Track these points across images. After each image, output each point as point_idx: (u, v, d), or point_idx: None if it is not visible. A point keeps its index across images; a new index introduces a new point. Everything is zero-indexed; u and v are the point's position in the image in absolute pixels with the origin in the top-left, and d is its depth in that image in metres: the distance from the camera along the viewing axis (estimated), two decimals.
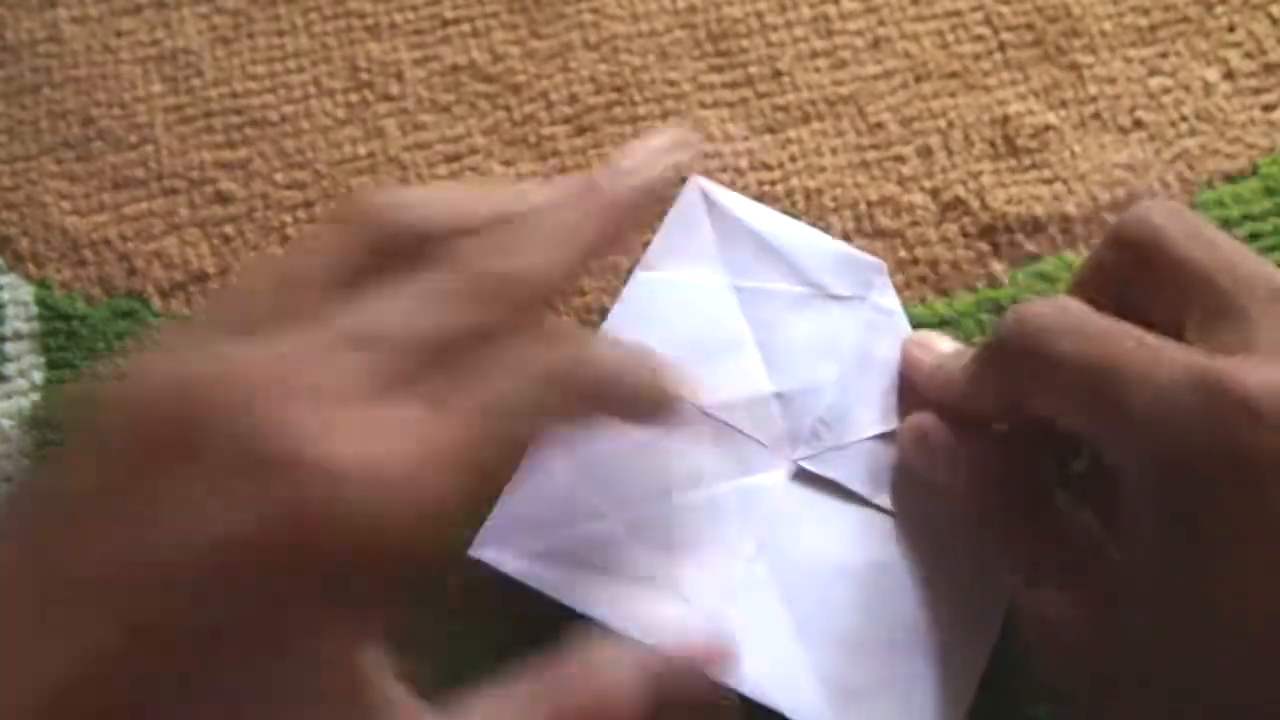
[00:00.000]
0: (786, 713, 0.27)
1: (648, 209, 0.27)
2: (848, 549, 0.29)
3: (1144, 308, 0.26)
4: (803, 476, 0.30)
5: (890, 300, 0.31)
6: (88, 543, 0.20)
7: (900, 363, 0.31)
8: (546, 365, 0.24)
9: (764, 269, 0.32)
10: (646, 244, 0.32)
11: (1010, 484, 0.27)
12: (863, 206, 0.34)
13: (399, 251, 0.24)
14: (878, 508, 0.30)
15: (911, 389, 0.30)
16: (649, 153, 0.27)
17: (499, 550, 0.28)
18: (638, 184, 0.26)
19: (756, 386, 0.31)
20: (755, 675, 0.27)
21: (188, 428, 0.20)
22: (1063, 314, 0.25)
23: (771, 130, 0.35)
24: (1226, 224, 0.33)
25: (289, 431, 0.20)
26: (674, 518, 0.29)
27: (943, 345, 0.30)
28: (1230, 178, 0.34)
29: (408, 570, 0.21)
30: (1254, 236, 0.33)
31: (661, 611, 0.28)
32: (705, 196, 0.33)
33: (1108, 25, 0.36)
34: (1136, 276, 0.26)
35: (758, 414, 0.30)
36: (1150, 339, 0.24)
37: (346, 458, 0.20)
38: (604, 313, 0.32)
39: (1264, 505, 0.22)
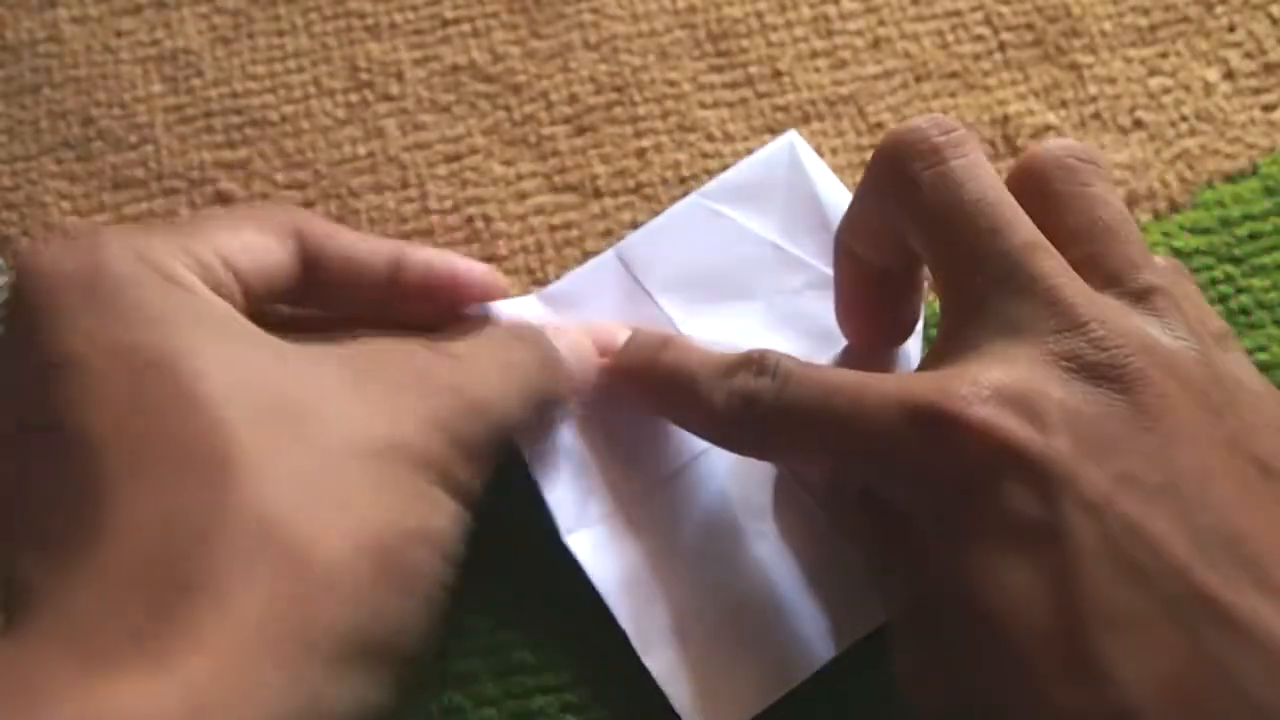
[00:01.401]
0: (618, 620, 0.28)
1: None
2: (750, 506, 0.30)
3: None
4: None
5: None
6: None
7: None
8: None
9: (811, 241, 0.32)
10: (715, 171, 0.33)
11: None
12: None
13: None
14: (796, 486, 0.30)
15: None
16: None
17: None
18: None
19: (745, 338, 0.31)
20: (603, 565, 0.29)
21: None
22: (770, 385, 0.25)
23: (771, 130, 0.35)
24: (1226, 224, 0.33)
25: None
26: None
27: (619, 335, 0.29)
28: (1230, 178, 0.34)
29: None
30: (1254, 236, 0.33)
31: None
32: (792, 151, 0.33)
33: (1108, 25, 0.36)
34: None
35: None
36: (853, 378, 0.24)
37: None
38: None
39: (987, 506, 0.22)
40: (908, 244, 0.26)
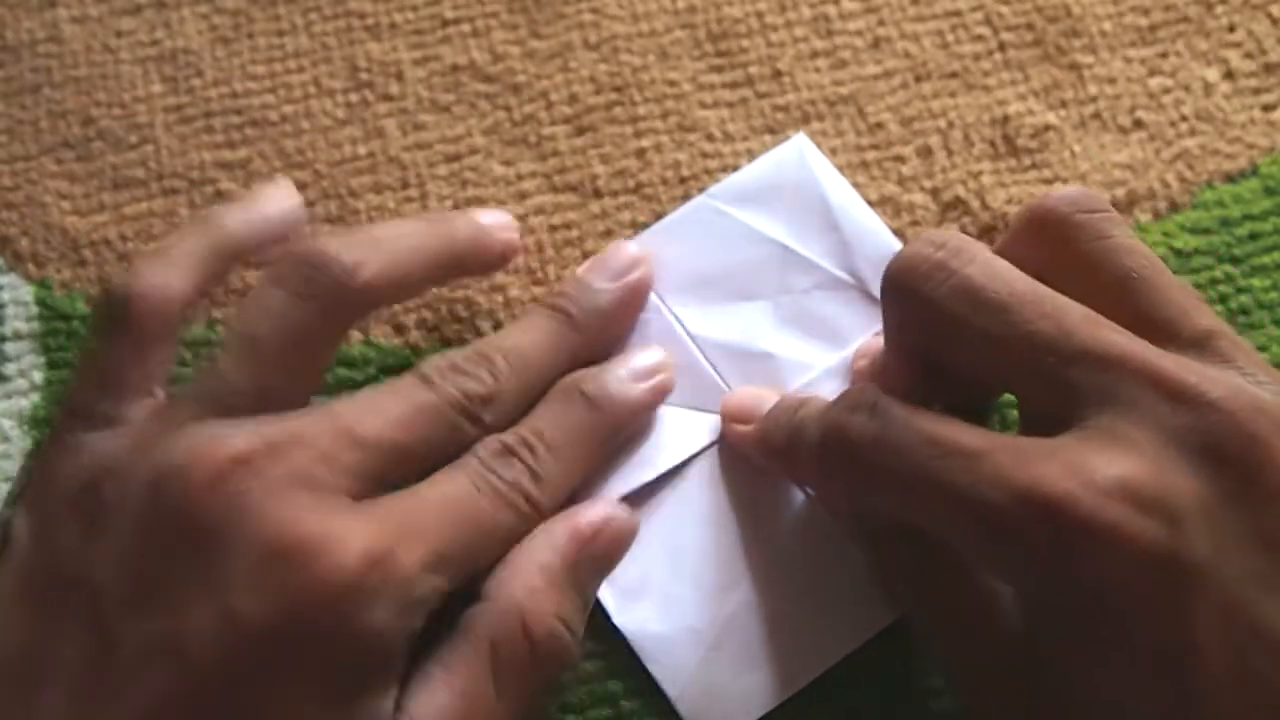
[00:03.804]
0: (619, 625, 0.29)
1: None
2: (754, 509, 0.30)
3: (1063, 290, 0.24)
4: None
5: None
6: (122, 631, 0.22)
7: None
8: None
9: (818, 242, 0.32)
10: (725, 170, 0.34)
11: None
12: None
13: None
14: (806, 493, 0.30)
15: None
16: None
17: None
18: None
19: (751, 339, 0.31)
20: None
21: (201, 517, 0.23)
22: (870, 422, 0.24)
23: (771, 130, 0.35)
24: (1226, 224, 0.33)
25: (300, 521, 0.22)
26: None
27: (765, 405, 0.29)
28: (1230, 178, 0.34)
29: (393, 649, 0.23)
30: (1254, 236, 0.33)
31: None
32: (801, 154, 0.33)
33: (1108, 25, 0.36)
34: (1049, 265, 0.25)
35: (738, 362, 0.31)
36: (967, 440, 0.22)
37: (355, 546, 0.22)
38: None
39: (1113, 636, 0.21)
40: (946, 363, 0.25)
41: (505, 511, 0.26)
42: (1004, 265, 0.24)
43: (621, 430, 0.29)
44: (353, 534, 0.23)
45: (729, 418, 0.30)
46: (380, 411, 0.25)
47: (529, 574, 0.26)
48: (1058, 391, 0.23)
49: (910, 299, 0.24)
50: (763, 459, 0.29)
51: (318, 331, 0.26)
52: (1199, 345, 0.23)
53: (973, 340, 0.24)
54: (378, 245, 0.27)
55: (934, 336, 0.25)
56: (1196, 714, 0.21)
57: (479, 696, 0.24)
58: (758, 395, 0.30)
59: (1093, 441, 0.22)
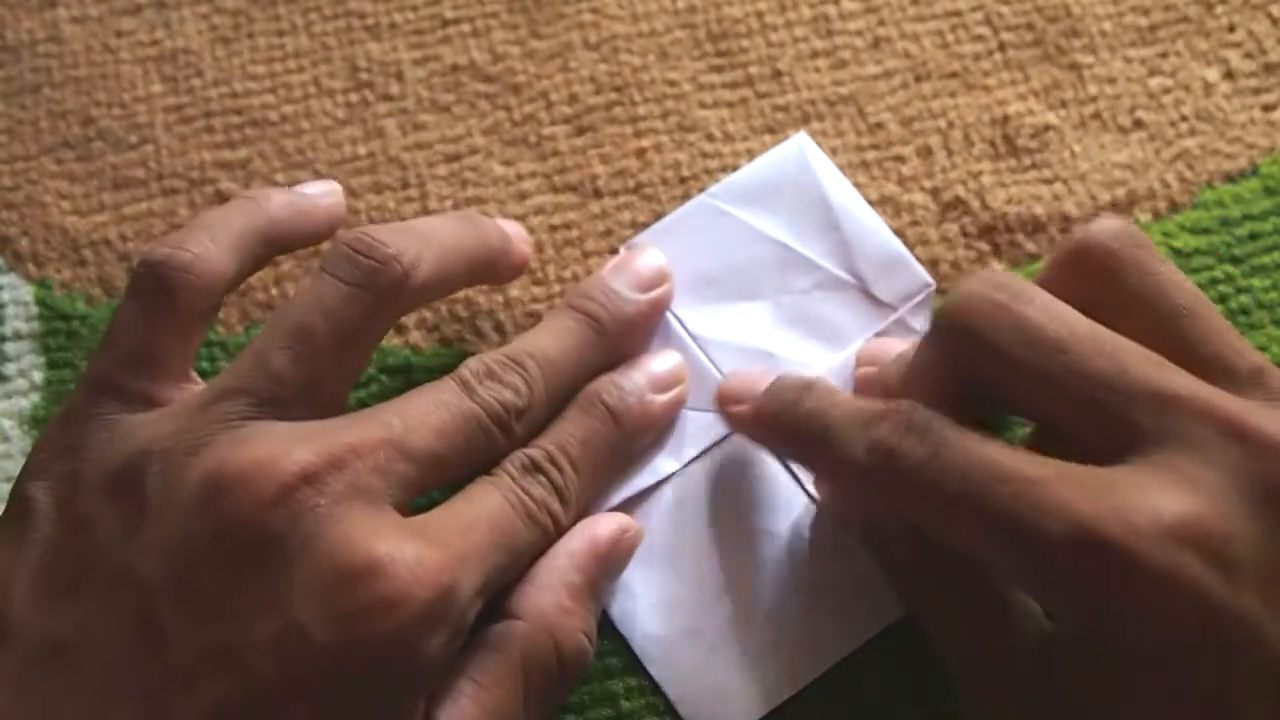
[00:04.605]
0: (619, 626, 0.29)
1: None
2: (754, 509, 0.30)
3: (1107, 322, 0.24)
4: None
5: (921, 323, 0.32)
6: (168, 637, 0.22)
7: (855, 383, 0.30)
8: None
9: (819, 242, 0.32)
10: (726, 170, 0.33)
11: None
12: None
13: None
14: (807, 492, 0.30)
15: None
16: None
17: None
18: None
19: (752, 339, 0.31)
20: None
21: (266, 531, 0.22)
22: (920, 445, 0.23)
23: (771, 130, 0.35)
24: (1226, 224, 0.33)
25: (367, 542, 0.22)
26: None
27: (761, 384, 0.29)
28: (1230, 178, 0.34)
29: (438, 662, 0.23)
30: (1254, 236, 0.33)
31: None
32: (802, 154, 0.33)
33: (1108, 25, 0.36)
34: (1095, 301, 0.25)
35: (738, 361, 0.31)
36: (1026, 468, 0.22)
37: (428, 576, 0.23)
38: None
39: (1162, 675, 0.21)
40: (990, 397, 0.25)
41: (534, 530, 0.26)
42: (1063, 306, 0.24)
43: (637, 442, 0.30)
44: (425, 561, 0.23)
45: (726, 399, 0.30)
46: (426, 422, 0.25)
47: (557, 592, 0.26)
48: (1117, 429, 0.23)
49: (969, 339, 0.24)
50: (763, 439, 0.29)
51: (371, 326, 0.26)
52: (1253, 383, 0.23)
53: (1032, 381, 0.24)
54: (429, 242, 0.27)
55: (990, 376, 0.24)
56: None
57: (509, 714, 0.24)
58: (751, 375, 0.30)
59: (1156, 477, 0.21)
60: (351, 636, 0.22)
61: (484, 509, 0.25)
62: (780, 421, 0.27)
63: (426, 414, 0.25)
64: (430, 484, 0.25)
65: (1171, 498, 0.21)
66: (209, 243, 0.26)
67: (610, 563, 0.27)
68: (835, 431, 0.25)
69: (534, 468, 0.27)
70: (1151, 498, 0.21)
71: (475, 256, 0.29)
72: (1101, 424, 0.23)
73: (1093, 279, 0.25)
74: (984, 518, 0.22)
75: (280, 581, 0.22)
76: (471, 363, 0.27)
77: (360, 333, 0.26)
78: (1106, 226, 0.25)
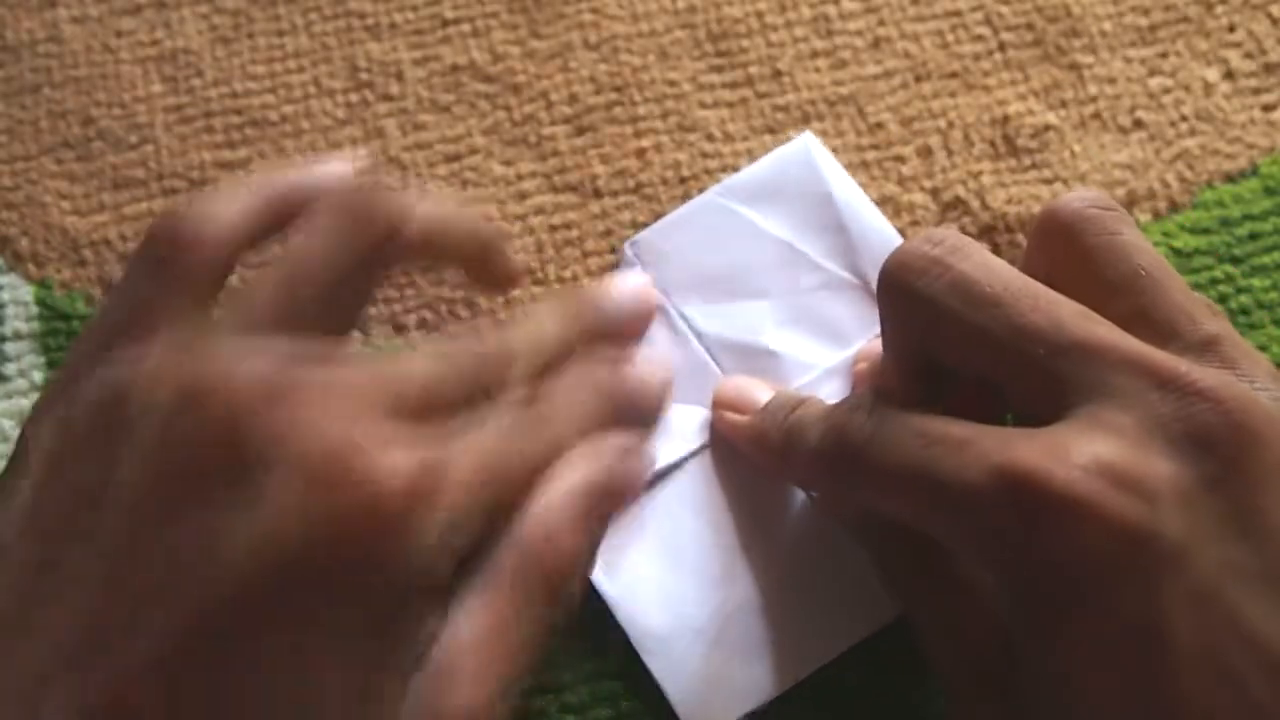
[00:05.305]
0: (620, 620, 0.29)
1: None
2: (753, 504, 0.30)
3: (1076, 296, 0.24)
4: None
5: None
6: (149, 545, 0.21)
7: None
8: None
9: (824, 242, 0.32)
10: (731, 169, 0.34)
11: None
12: None
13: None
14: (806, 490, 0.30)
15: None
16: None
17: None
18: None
19: (755, 337, 0.31)
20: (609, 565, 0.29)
21: (248, 432, 0.21)
22: (866, 422, 0.24)
23: (771, 130, 0.35)
24: (1226, 224, 0.33)
25: (345, 444, 0.21)
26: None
27: (759, 395, 0.29)
28: (1230, 178, 0.34)
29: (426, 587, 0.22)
30: (1254, 236, 0.33)
31: None
32: (808, 153, 0.33)
33: (1108, 25, 0.36)
34: (1058, 268, 0.25)
35: (741, 359, 0.31)
36: (954, 430, 0.23)
37: (401, 475, 0.21)
38: None
39: (1096, 610, 0.21)
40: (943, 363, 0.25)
41: (534, 441, 0.25)
42: (999, 262, 0.24)
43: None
44: (400, 463, 0.22)
45: (721, 405, 0.30)
46: (416, 364, 0.25)
47: (552, 513, 0.25)
48: (1048, 384, 0.23)
49: (905, 295, 0.24)
50: (755, 454, 0.29)
51: (355, 265, 0.25)
52: (1199, 349, 0.23)
53: (966, 335, 0.24)
54: (425, 198, 0.26)
55: (929, 332, 0.25)
56: (1159, 694, 0.20)
57: (506, 627, 0.24)
58: (750, 384, 0.30)
59: (1075, 426, 0.22)
60: (331, 519, 0.21)
61: (478, 438, 0.25)
62: (769, 439, 0.28)
63: (415, 360, 0.25)
64: (420, 412, 0.24)
65: (1087, 441, 0.21)
66: (217, 203, 0.26)
67: (612, 486, 0.26)
68: (801, 426, 0.26)
69: (525, 406, 0.26)
70: (1070, 441, 0.21)
71: (466, 234, 0.28)
72: (1035, 379, 0.23)
73: (1058, 244, 0.25)
74: (916, 482, 0.23)
75: (256, 482, 0.21)
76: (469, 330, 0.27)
77: (345, 269, 0.25)
78: (1076, 193, 0.26)
